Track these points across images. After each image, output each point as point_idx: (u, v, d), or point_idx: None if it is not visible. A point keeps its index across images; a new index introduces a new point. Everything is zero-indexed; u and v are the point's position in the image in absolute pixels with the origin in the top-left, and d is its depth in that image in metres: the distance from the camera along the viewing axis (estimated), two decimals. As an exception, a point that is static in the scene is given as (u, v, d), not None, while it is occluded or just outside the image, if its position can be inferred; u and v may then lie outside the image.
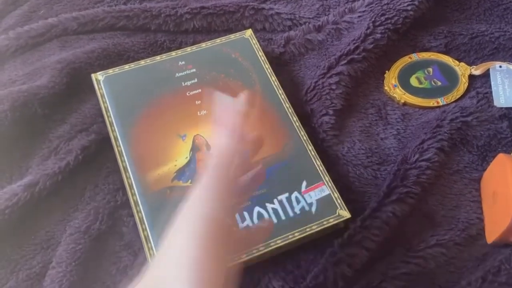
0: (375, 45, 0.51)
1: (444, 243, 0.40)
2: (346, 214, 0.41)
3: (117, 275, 0.40)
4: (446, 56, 0.53)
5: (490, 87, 0.50)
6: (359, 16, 0.54)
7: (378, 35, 0.51)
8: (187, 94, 0.47)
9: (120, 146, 0.43)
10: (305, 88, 0.50)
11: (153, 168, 0.42)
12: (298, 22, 0.56)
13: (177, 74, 0.48)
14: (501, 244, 0.40)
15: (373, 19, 0.52)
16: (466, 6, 0.57)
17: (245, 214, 0.40)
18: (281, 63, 0.53)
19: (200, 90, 0.47)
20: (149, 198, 0.40)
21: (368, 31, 0.51)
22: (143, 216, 0.40)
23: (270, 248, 0.38)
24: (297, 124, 0.45)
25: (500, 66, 0.51)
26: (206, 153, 0.43)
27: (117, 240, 0.42)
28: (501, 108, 0.48)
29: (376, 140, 0.48)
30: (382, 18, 0.52)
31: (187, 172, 0.42)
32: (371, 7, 0.53)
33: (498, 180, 0.41)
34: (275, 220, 0.40)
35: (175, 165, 0.42)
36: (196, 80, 0.48)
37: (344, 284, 0.38)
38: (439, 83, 0.51)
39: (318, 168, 0.43)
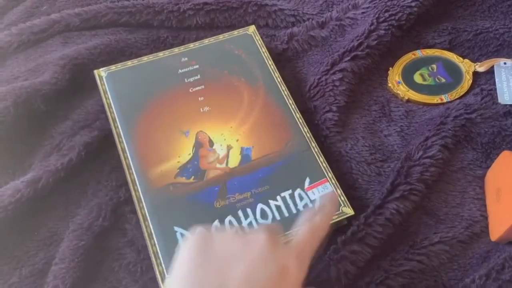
0: (378, 42, 0.51)
1: (447, 241, 0.40)
2: (349, 211, 0.40)
3: (120, 271, 0.40)
4: (450, 53, 0.53)
5: (494, 84, 0.50)
6: (363, 13, 0.53)
7: (382, 32, 0.51)
8: (190, 90, 0.47)
9: (123, 143, 0.43)
10: (308, 84, 0.50)
11: (156, 164, 0.42)
12: (302, 19, 0.56)
13: (180, 70, 0.48)
14: (505, 242, 0.40)
15: (376, 16, 0.52)
16: (470, 2, 0.57)
17: (248, 210, 0.40)
18: (284, 60, 0.53)
19: (203, 86, 0.47)
20: (152, 195, 0.40)
21: (372, 27, 0.51)
22: (146, 212, 0.40)
23: None
24: (301, 121, 0.45)
25: (505, 63, 0.51)
26: (209, 150, 0.43)
27: (120, 237, 0.42)
28: (506, 105, 0.48)
29: (380, 137, 0.47)
30: (386, 15, 0.52)
31: (190, 168, 0.42)
32: (374, 3, 0.53)
33: (502, 177, 0.41)
34: (278, 217, 0.40)
35: (178, 162, 0.42)
36: (199, 77, 0.48)
37: (347, 281, 0.38)
38: (443, 80, 0.51)
39: (321, 165, 0.43)
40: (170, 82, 0.47)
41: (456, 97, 0.49)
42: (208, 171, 0.42)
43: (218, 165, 0.42)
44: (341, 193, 0.41)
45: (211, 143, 0.44)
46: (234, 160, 0.43)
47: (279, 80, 0.48)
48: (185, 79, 0.47)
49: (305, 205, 0.40)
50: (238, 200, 0.40)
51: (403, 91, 0.50)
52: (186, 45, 0.50)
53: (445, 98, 0.49)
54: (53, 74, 0.48)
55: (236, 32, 0.51)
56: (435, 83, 0.51)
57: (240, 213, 0.40)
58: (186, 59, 0.49)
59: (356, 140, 0.47)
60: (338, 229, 0.41)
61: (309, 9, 0.57)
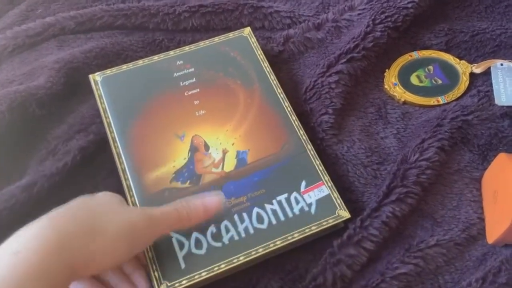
0: (375, 44, 0.51)
1: (444, 243, 0.40)
2: (345, 214, 0.40)
3: (116, 276, 0.40)
4: (447, 54, 0.52)
5: (491, 85, 0.49)
6: (359, 14, 0.53)
7: (378, 33, 0.51)
8: (186, 94, 0.46)
9: (118, 148, 0.43)
10: (304, 87, 0.50)
11: (152, 169, 0.42)
12: (298, 20, 0.56)
13: (175, 74, 0.48)
14: (502, 244, 0.40)
15: (373, 17, 0.51)
16: (467, 3, 0.57)
17: (244, 215, 0.40)
18: (280, 62, 0.53)
19: (198, 90, 0.47)
20: (148, 200, 0.40)
21: (368, 29, 0.51)
22: None
23: (269, 250, 0.38)
24: (296, 123, 0.45)
25: (502, 64, 0.51)
26: (205, 154, 0.43)
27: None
28: (502, 106, 0.47)
29: (376, 139, 0.47)
30: (382, 16, 0.51)
31: (185, 173, 0.42)
32: (371, 5, 0.53)
33: (499, 179, 0.41)
34: (274, 222, 0.40)
35: (174, 166, 0.42)
36: (194, 80, 0.47)
37: (343, 284, 0.38)
38: (440, 82, 0.51)
39: (317, 168, 0.43)
40: (165, 86, 0.47)
41: (453, 98, 0.49)
42: (203, 175, 0.42)
43: (213, 170, 0.42)
44: (337, 196, 0.41)
45: (206, 147, 0.44)
46: (230, 164, 0.43)
47: (274, 82, 0.48)
48: (181, 83, 0.47)
49: (301, 209, 0.40)
50: (234, 204, 0.40)
51: (399, 93, 0.50)
52: (181, 48, 0.50)
53: (441, 99, 0.49)
54: (48, 78, 0.48)
55: (231, 35, 0.51)
56: (432, 84, 0.51)
57: (236, 217, 0.40)
58: (181, 62, 0.49)
59: (352, 143, 0.46)
60: (334, 233, 0.41)
61: (305, 11, 0.57)
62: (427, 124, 0.47)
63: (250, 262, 0.38)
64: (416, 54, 0.53)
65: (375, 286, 0.38)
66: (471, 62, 0.52)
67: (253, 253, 0.38)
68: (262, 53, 0.50)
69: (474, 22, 0.55)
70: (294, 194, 0.41)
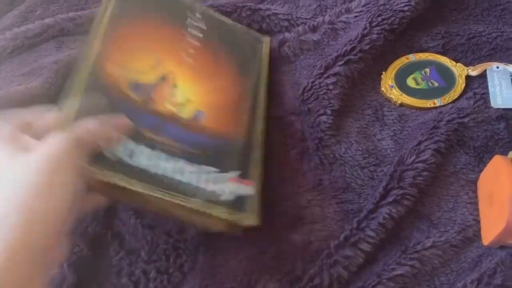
0: (371, 46, 0.51)
1: (440, 245, 0.40)
2: (253, 221, 0.39)
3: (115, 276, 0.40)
4: (443, 57, 0.53)
5: (487, 87, 0.50)
6: (356, 16, 0.54)
7: (375, 36, 0.51)
8: (186, 39, 0.46)
9: (103, 24, 0.42)
10: (302, 87, 0.50)
11: (117, 65, 0.40)
12: (296, 23, 0.56)
13: (188, 20, 0.48)
14: (497, 246, 0.40)
15: (369, 20, 0.52)
16: (464, 6, 0.57)
17: (167, 156, 0.38)
18: (276, 63, 0.53)
19: (199, 44, 0.47)
20: (94, 87, 0.39)
21: (365, 31, 0.51)
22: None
23: (166, 198, 0.36)
24: (261, 127, 0.45)
25: (497, 67, 0.51)
26: (169, 89, 0.42)
27: (115, 241, 0.42)
28: (498, 109, 0.48)
29: (373, 141, 0.48)
30: (379, 19, 0.52)
31: (143, 90, 0.41)
32: (367, 8, 0.53)
33: (494, 181, 0.41)
34: (188, 181, 0.38)
35: (138, 78, 0.41)
36: (201, 36, 0.47)
37: (340, 286, 0.38)
38: (436, 84, 0.51)
39: (258, 170, 0.42)
40: (173, 20, 0.46)
41: (449, 101, 0.49)
42: (158, 104, 0.41)
43: (169, 106, 0.41)
44: (258, 202, 0.40)
45: (175, 85, 0.43)
46: (186, 113, 0.42)
47: (265, 88, 0.49)
48: (188, 29, 0.47)
49: (219, 188, 0.39)
50: (167, 144, 0.39)
51: (396, 95, 0.50)
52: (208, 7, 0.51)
53: (438, 102, 0.50)
54: (46, 79, 0.48)
55: (252, 32, 0.53)
56: (428, 87, 0.51)
57: (157, 152, 0.38)
58: (200, 17, 0.49)
59: (349, 144, 0.47)
60: (331, 234, 0.41)
61: (303, 14, 0.57)
62: (424, 126, 0.47)
63: (146, 200, 0.36)
64: (412, 57, 0.53)
65: (371, 288, 0.38)
66: (467, 65, 0.52)
67: (154, 191, 0.36)
68: (268, 62, 0.51)
69: (471, 25, 0.55)
70: (223, 174, 0.40)
